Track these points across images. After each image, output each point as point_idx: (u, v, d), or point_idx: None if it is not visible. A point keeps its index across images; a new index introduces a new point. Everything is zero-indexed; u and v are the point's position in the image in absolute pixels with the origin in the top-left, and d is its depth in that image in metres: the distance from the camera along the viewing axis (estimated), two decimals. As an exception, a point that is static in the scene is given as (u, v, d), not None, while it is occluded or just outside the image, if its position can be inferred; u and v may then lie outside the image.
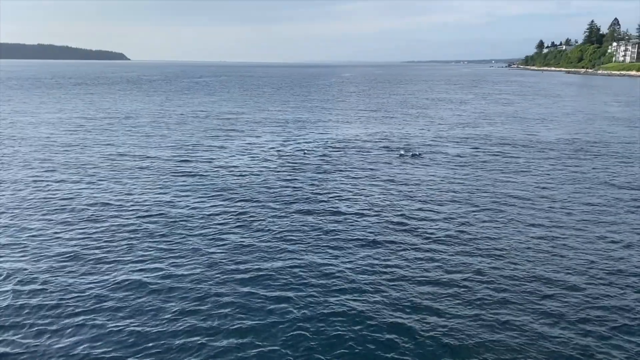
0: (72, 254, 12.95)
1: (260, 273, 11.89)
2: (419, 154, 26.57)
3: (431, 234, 14.63)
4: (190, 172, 22.25)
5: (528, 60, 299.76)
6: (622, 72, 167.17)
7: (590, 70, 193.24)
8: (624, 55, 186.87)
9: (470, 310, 10.24)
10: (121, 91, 78.20)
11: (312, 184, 20.25)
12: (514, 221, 15.81)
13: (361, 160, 25.18)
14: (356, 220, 15.77)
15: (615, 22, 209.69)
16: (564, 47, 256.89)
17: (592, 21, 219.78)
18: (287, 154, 26.75)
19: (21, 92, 71.09)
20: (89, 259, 12.68)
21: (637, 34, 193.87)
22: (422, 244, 13.85)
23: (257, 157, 25.94)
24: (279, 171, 22.55)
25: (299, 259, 12.70)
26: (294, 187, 19.74)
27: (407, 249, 13.45)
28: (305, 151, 27.25)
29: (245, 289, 11.07)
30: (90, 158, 24.99)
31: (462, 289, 11.15)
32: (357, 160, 25.18)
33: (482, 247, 13.66)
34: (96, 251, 13.20)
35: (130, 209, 16.81)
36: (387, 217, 16.13)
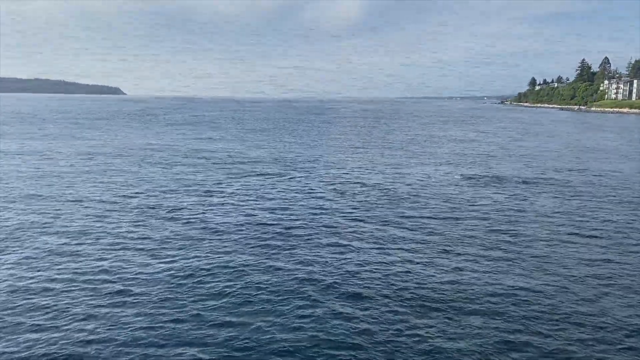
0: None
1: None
2: (441, 195, 26.17)
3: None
4: (197, 212, 21.61)
5: (521, 97, 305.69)
6: (614, 109, 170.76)
7: (583, 107, 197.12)
8: (616, 93, 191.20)
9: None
10: (121, 125, 77.98)
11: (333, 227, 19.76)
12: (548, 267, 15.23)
13: (375, 202, 24.69)
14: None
15: (606, 61, 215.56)
16: (556, 85, 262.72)
17: (584, 60, 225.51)
18: (314, 193, 26.22)
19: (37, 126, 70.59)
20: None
21: (627, 73, 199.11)
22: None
23: (280, 197, 25.37)
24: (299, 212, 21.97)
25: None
26: (301, 226, 19.16)
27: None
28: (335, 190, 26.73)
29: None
30: (95, 193, 24.31)
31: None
32: (375, 202, 24.69)
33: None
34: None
35: (136, 251, 16.07)
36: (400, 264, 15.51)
